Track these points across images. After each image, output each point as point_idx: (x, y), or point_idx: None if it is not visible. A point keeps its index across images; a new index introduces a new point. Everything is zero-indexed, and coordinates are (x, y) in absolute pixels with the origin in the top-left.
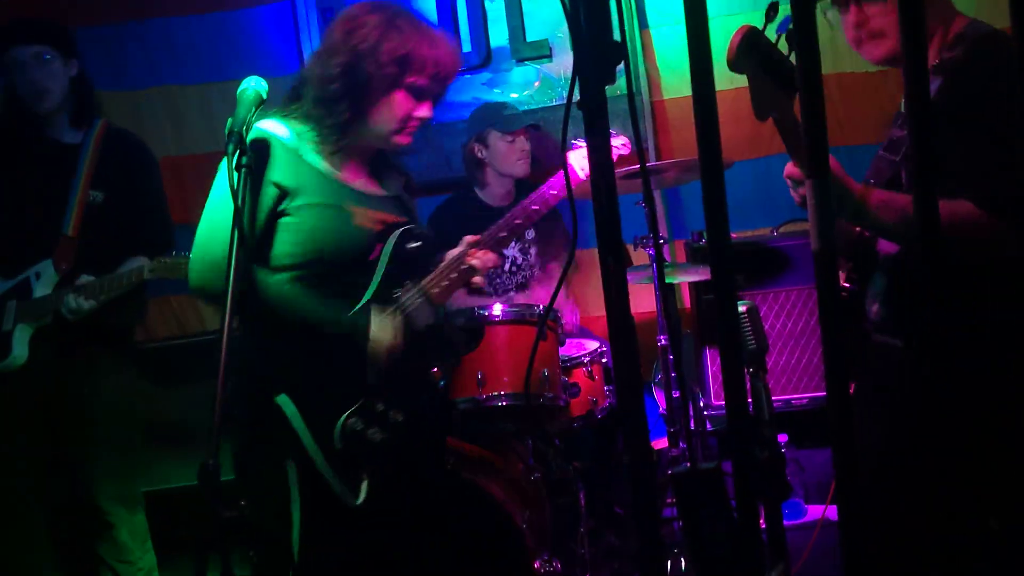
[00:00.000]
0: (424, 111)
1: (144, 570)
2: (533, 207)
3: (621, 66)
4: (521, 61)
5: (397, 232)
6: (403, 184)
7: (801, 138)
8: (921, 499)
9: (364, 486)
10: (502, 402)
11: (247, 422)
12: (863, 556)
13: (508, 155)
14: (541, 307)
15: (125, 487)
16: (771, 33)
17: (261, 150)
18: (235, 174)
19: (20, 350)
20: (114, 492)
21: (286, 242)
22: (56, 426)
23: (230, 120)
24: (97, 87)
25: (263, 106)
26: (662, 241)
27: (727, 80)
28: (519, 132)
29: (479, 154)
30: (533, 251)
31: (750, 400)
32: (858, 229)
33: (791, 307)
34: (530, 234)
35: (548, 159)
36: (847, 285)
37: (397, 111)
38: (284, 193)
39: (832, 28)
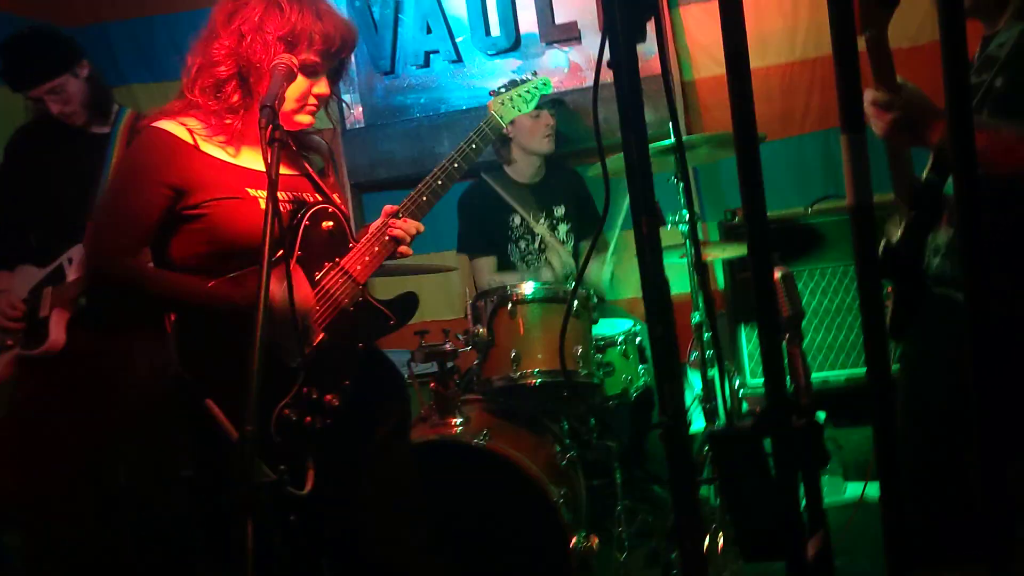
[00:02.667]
0: (321, 87)
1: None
2: (454, 165)
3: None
4: (550, 44)
5: (307, 212)
6: (323, 160)
7: (890, 62)
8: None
9: (310, 475)
10: (536, 380)
11: (190, 429)
12: (905, 534)
13: (533, 131)
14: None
15: (160, 472)
16: None
17: (159, 150)
18: (269, 148)
19: (57, 335)
20: (150, 477)
21: (192, 242)
22: (93, 410)
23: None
24: (130, 80)
25: (153, 108)
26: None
27: (759, 57)
28: (543, 108)
29: (505, 130)
30: (563, 228)
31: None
32: (924, 175)
33: (827, 285)
34: (559, 210)
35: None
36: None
37: (292, 91)
38: (181, 192)
39: None
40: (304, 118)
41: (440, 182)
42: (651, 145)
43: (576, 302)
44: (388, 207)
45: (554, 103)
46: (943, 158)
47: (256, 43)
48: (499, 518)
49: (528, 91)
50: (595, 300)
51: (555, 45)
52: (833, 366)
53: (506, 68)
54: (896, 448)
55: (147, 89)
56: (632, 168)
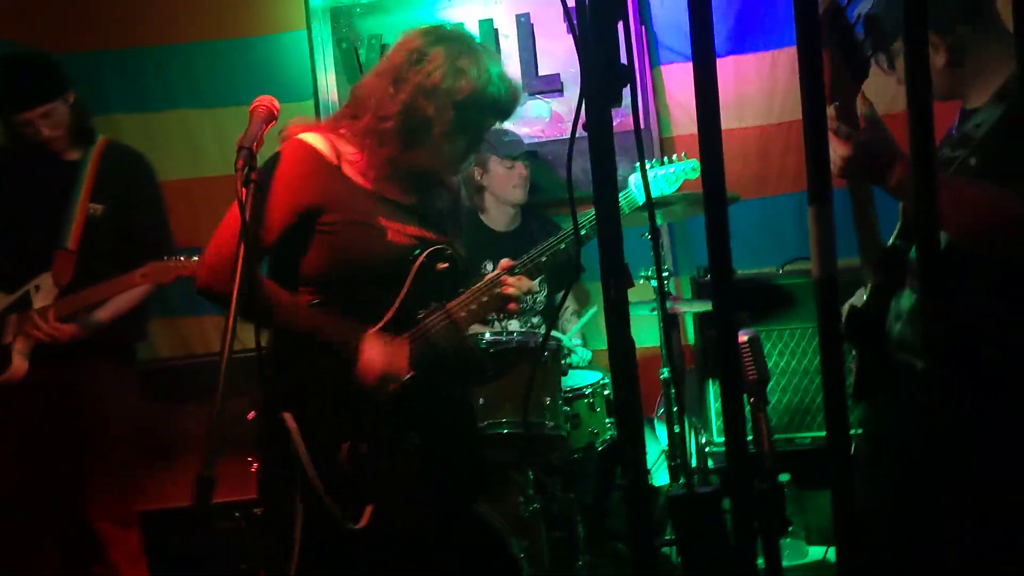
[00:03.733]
0: (479, 147)
1: None
2: (581, 232)
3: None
4: (532, 95)
5: (426, 251)
6: (450, 201)
7: (857, 123)
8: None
9: (368, 511)
10: (502, 430)
11: (262, 438)
12: None
13: (506, 181)
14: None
15: (120, 506)
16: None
17: (302, 161)
18: (243, 189)
19: (19, 364)
20: (108, 510)
21: (316, 258)
22: (55, 440)
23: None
24: (113, 109)
25: (305, 119)
26: (667, 274)
27: (736, 119)
28: (517, 158)
29: (479, 179)
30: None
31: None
32: (891, 241)
33: (795, 346)
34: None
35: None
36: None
37: (455, 150)
38: (317, 210)
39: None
40: (456, 174)
41: (562, 245)
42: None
43: (547, 353)
44: (505, 261)
45: (528, 155)
46: (910, 224)
47: (432, 104)
48: (459, 569)
49: (674, 174)
50: (566, 351)
51: (537, 96)
52: (799, 428)
53: None
54: (854, 513)
55: (131, 119)
56: (603, 231)
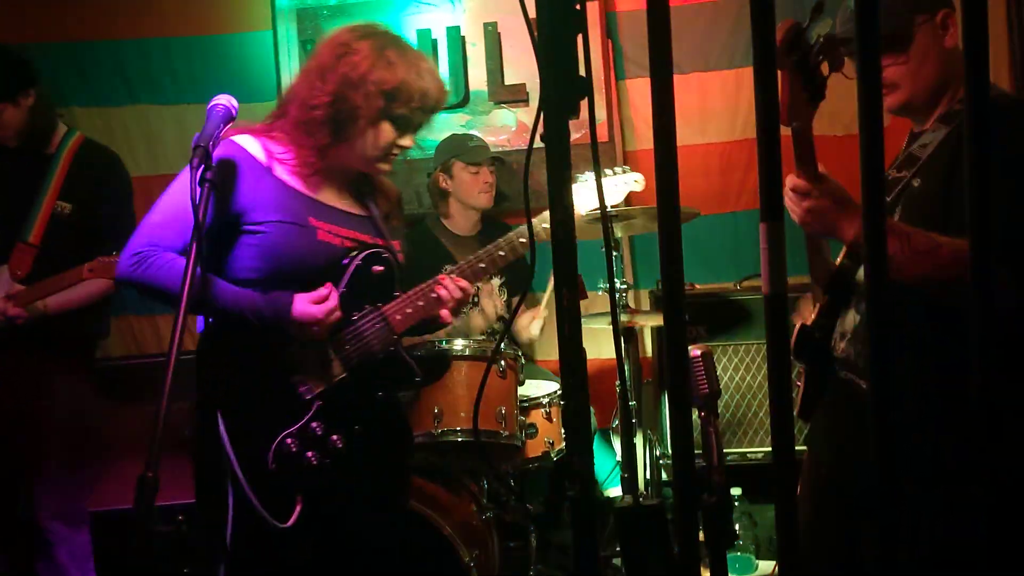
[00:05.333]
0: (407, 141)
1: None
2: (520, 240)
3: (599, 113)
4: (499, 104)
5: (362, 253)
6: (387, 208)
7: (811, 151)
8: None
9: (296, 510)
10: (457, 438)
11: (195, 439)
12: None
13: (472, 187)
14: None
15: (69, 504)
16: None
17: (231, 163)
18: (199, 188)
19: None
20: (57, 509)
21: (246, 256)
22: (4, 436)
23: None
24: (71, 103)
25: (243, 122)
26: (626, 287)
27: (700, 134)
28: (483, 164)
29: (444, 184)
30: (496, 281)
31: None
32: (839, 261)
33: (751, 361)
34: (497, 279)
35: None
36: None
37: (381, 140)
38: (247, 209)
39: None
40: (385, 166)
41: (502, 252)
42: (586, 212)
43: (503, 362)
44: (450, 267)
45: (494, 160)
46: (857, 245)
47: (359, 93)
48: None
49: (615, 185)
50: (523, 360)
51: (503, 105)
52: (752, 442)
53: (455, 122)
54: (797, 528)
55: (87, 113)
56: (557, 242)
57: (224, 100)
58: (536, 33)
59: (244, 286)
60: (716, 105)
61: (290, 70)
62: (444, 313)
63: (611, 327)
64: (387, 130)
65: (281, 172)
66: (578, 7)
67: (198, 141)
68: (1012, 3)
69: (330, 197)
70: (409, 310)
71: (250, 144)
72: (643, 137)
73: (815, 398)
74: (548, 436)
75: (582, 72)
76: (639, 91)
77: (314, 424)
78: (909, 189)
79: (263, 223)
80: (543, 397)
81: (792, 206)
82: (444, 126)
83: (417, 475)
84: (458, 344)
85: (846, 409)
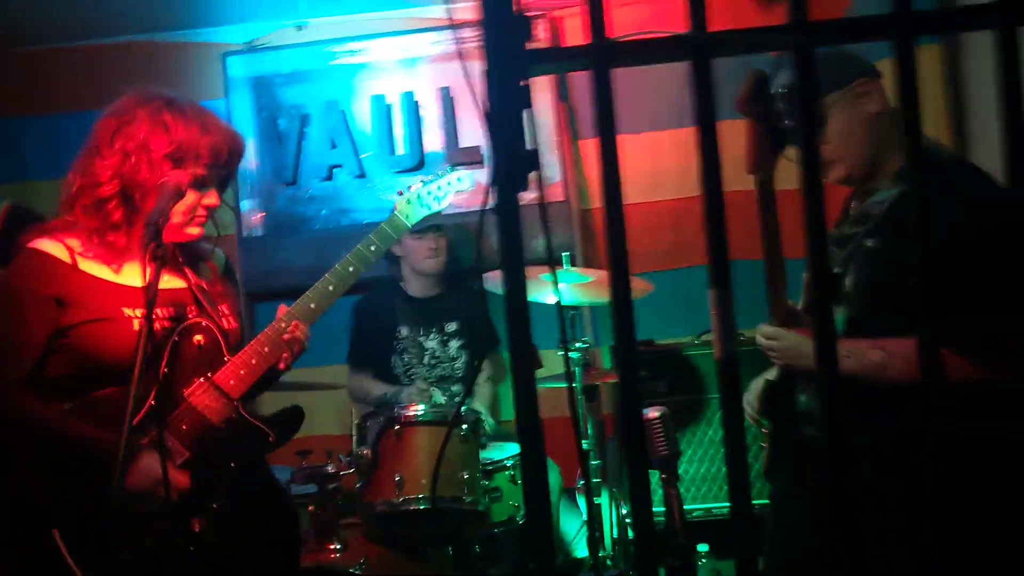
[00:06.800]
0: (211, 198)
1: None
2: (348, 268)
3: (554, 172)
4: (454, 167)
5: (176, 329)
6: (211, 277)
7: (774, 217)
8: None
9: None
10: (419, 506)
11: (19, 562)
12: None
13: (417, 252)
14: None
15: None
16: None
17: (37, 270)
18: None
19: None
20: None
21: (59, 365)
22: None
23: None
24: (28, 176)
25: (39, 225)
26: (586, 345)
27: (653, 192)
28: (427, 230)
29: (394, 250)
30: (454, 344)
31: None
32: (799, 305)
33: (711, 415)
34: (451, 326)
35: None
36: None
37: (181, 205)
38: (58, 314)
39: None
40: (194, 230)
41: (331, 287)
42: (542, 276)
43: (466, 426)
44: (283, 307)
45: (435, 228)
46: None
47: (141, 162)
48: None
49: (439, 188)
50: (487, 424)
51: (459, 168)
52: (717, 497)
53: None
54: None
55: (52, 186)
56: (511, 310)
57: (174, 175)
58: (482, 110)
59: (62, 392)
60: (668, 164)
61: (245, 138)
62: (285, 355)
63: (562, 385)
64: (186, 193)
65: (86, 266)
66: (523, 83)
67: (148, 219)
68: (948, 58)
69: (142, 276)
70: (242, 372)
71: (49, 246)
72: (598, 196)
73: (778, 457)
74: (513, 500)
75: (529, 145)
76: (594, 149)
77: (166, 520)
78: (864, 248)
79: (73, 326)
80: (507, 459)
81: (765, 352)
82: (401, 187)
83: (380, 544)
84: (419, 409)
85: (809, 466)
